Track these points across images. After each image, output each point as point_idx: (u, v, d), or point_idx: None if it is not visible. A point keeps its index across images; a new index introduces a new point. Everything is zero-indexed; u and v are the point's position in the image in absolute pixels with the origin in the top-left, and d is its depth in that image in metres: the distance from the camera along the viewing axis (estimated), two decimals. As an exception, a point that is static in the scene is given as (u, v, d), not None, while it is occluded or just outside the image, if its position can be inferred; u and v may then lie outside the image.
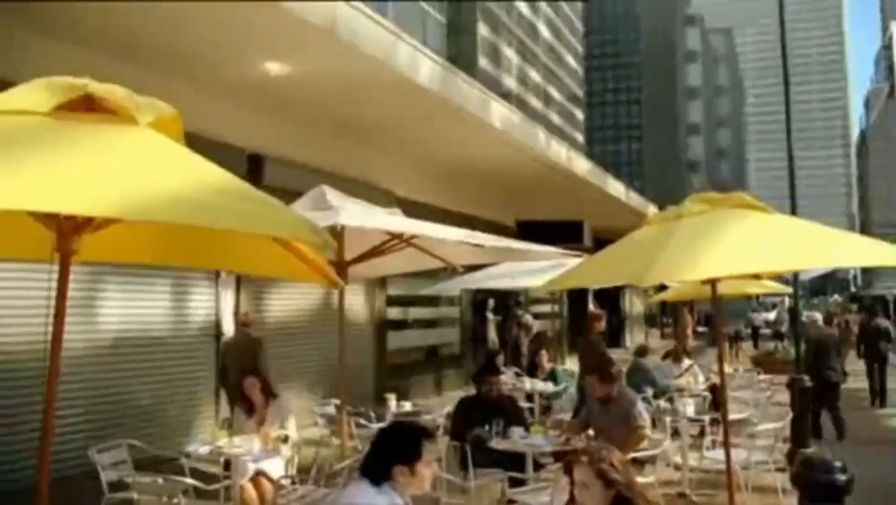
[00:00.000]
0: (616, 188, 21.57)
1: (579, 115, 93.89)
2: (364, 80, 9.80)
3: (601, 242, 25.33)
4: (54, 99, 2.75)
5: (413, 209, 14.91)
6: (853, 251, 5.15)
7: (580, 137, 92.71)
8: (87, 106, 2.85)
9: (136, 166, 2.57)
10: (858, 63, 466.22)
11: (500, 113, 12.78)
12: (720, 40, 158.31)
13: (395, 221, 6.59)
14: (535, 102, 77.63)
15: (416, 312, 16.65)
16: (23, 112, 2.73)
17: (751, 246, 4.82)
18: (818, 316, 14.89)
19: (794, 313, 16.90)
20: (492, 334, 19.23)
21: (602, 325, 11.20)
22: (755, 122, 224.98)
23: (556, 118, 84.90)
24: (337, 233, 6.37)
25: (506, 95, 67.32)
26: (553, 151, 15.68)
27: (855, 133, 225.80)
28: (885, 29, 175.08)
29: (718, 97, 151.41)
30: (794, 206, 16.32)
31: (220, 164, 8.42)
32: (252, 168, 10.58)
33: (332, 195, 7.13)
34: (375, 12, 9.10)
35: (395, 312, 15.52)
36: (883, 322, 18.09)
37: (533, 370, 12.17)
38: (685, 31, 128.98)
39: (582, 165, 18.05)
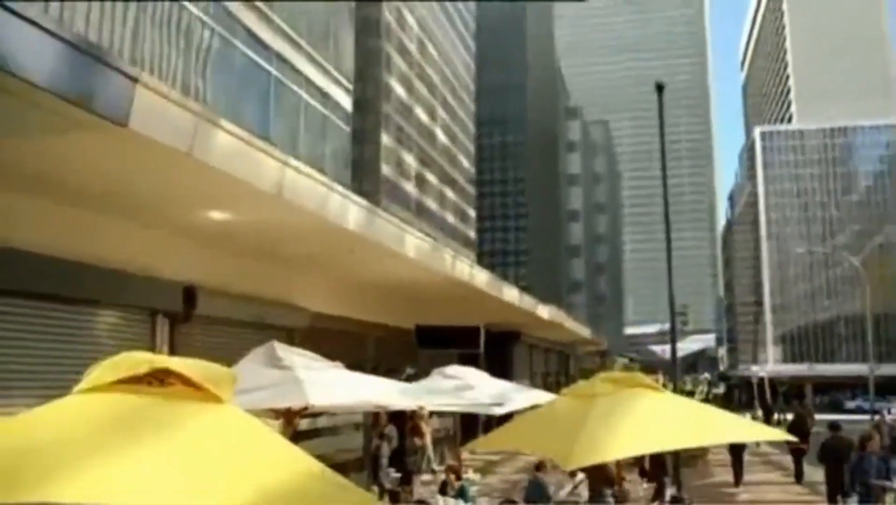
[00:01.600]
0: (511, 294, 22.98)
1: (471, 212, 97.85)
2: (298, 226, 10.75)
3: (496, 337, 26.78)
4: (147, 376, 3.55)
5: (326, 321, 15.82)
6: (728, 428, 6.41)
7: (472, 233, 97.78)
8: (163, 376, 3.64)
9: (233, 456, 3.17)
10: (725, 150, 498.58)
11: (413, 243, 13.91)
12: (598, 131, 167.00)
13: (355, 390, 7.43)
14: (432, 203, 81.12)
15: (323, 421, 17.26)
16: (118, 388, 3.52)
17: (651, 428, 6.00)
18: None
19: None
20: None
21: None
22: (630, 206, 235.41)
23: (450, 217, 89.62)
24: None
25: (405, 198, 71.51)
26: (458, 270, 16.90)
27: (721, 219, 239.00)
28: (747, 128, 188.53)
29: (596, 185, 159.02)
30: (671, 286, 18.07)
31: (160, 296, 9.18)
32: (186, 299, 11.23)
33: (282, 351, 7.98)
34: (312, 168, 10.11)
35: (304, 423, 16.10)
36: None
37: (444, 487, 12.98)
38: (566, 123, 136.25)
39: (482, 279, 19.35)
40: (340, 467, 17.61)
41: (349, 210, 11.06)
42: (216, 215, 10.07)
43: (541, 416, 6.80)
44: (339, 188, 10.81)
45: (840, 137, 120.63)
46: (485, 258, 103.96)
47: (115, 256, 9.78)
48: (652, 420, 6.05)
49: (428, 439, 16.95)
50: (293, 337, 14.77)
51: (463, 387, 12.49)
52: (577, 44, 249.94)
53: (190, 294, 11.36)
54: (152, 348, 10.74)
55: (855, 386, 79.58)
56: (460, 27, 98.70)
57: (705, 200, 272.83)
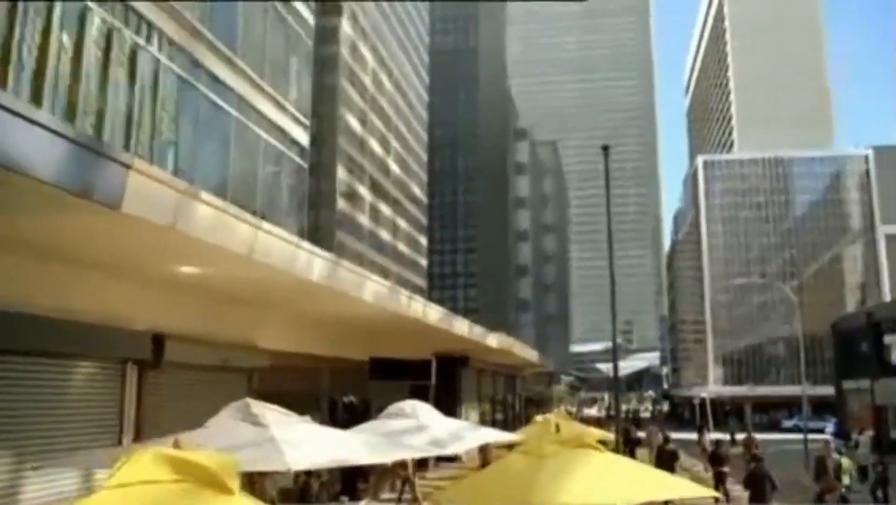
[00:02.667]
0: (461, 327, 23.75)
1: (422, 239, 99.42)
2: (266, 280, 11.35)
3: (446, 362, 27.51)
4: (167, 471, 4.18)
5: (284, 358, 16.36)
6: (661, 485, 7.21)
7: (423, 261, 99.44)
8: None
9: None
10: (672, 169, 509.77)
11: (372, 289, 14.58)
12: (547, 151, 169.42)
13: (328, 449, 7.99)
14: (385, 234, 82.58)
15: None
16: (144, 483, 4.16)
17: (596, 486, 6.77)
18: None
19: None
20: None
21: None
22: (577, 224, 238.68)
23: (402, 246, 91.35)
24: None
25: (359, 230, 72.93)
26: (412, 309, 17.61)
27: (667, 237, 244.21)
28: (692, 150, 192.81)
29: (545, 205, 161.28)
30: (613, 309, 19.08)
31: (130, 345, 9.68)
32: (155, 347, 11.72)
33: (257, 407, 8.54)
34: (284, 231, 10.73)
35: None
36: (673, 446, 22.78)
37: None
38: (515, 144, 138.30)
39: (434, 315, 20.07)
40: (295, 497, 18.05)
41: (314, 264, 11.69)
42: (188, 270, 10.62)
43: (494, 474, 7.51)
44: (306, 245, 11.44)
45: (779, 167, 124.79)
46: (434, 280, 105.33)
47: (90, 310, 10.24)
48: (596, 479, 6.83)
49: (410, 471, 17.63)
50: (253, 377, 15.34)
51: (417, 427, 13.15)
52: (527, 64, 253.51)
53: (159, 342, 11.85)
54: (121, 396, 11.21)
55: (792, 405, 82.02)
56: (413, 56, 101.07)
57: (650, 220, 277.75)
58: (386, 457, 8.60)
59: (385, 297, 15.55)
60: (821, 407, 75.49)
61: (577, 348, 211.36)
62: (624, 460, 7.56)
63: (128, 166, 7.16)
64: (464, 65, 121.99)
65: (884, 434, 45.48)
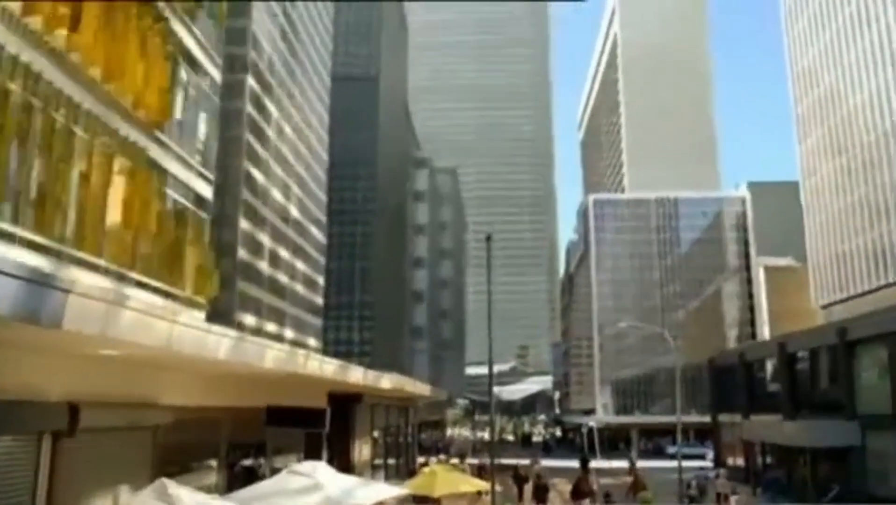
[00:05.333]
0: (356, 375, 25.09)
1: (320, 279, 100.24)
2: (177, 358, 12.47)
3: (340, 399, 28.75)
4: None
5: (187, 413, 17.28)
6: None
7: (320, 300, 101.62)
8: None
9: None
10: (567, 198, 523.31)
11: (272, 355, 15.83)
12: (446, 179, 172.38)
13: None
14: (283, 278, 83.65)
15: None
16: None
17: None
18: None
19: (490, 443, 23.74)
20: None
21: None
22: (474, 249, 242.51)
23: (300, 287, 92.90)
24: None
25: (259, 277, 74.01)
26: (309, 367, 18.88)
27: (562, 263, 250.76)
28: (585, 183, 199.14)
29: (442, 231, 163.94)
30: (490, 337, 20.81)
31: (46, 418, 10.89)
32: (71, 416, 12.56)
33: (172, 488, 9.71)
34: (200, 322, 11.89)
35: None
36: (544, 481, 26.01)
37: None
38: (415, 172, 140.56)
39: (329, 368, 21.38)
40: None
41: (222, 343, 12.87)
42: (106, 352, 11.64)
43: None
44: (216, 329, 12.61)
45: (665, 207, 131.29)
46: (331, 312, 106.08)
47: (5, 386, 11.01)
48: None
49: None
50: (157, 432, 16.23)
51: (313, 486, 14.45)
52: (428, 91, 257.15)
53: (74, 411, 12.69)
54: (35, 469, 11.98)
55: (675, 432, 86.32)
56: (315, 101, 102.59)
57: (546, 245, 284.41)
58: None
59: (283, 360, 16.80)
60: (703, 433, 79.63)
61: (472, 371, 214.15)
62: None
63: (67, 291, 8.30)
64: (364, 95, 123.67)
65: (751, 466, 48.92)
